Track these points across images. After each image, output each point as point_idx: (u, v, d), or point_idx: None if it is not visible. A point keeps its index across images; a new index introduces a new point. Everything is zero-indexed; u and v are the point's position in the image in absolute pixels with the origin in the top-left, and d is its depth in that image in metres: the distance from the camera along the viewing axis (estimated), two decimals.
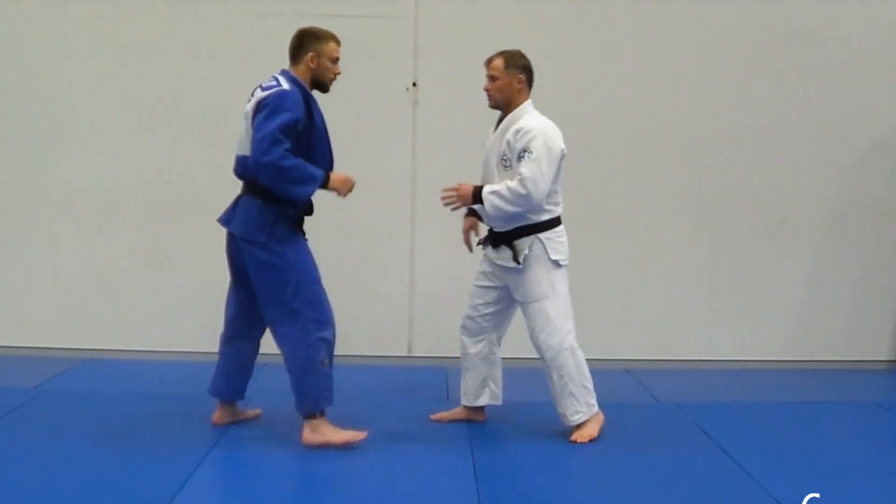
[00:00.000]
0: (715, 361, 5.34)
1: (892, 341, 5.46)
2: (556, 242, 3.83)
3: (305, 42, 3.78)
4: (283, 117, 3.54)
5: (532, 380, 4.92)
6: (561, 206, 3.88)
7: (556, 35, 5.25)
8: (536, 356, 5.25)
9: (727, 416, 4.28)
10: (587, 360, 5.22)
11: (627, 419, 4.23)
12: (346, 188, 3.73)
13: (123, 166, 5.25)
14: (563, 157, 3.79)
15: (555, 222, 3.85)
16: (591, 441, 3.84)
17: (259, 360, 5.15)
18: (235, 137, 5.14)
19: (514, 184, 3.69)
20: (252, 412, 4.07)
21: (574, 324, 3.89)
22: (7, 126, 5.27)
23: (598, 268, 5.34)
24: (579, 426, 3.87)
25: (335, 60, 3.80)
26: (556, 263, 3.81)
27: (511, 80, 3.81)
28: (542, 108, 5.21)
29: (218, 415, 3.98)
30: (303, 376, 3.67)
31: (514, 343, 5.22)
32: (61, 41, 5.21)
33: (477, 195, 3.77)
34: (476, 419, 4.10)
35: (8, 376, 4.79)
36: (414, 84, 5.19)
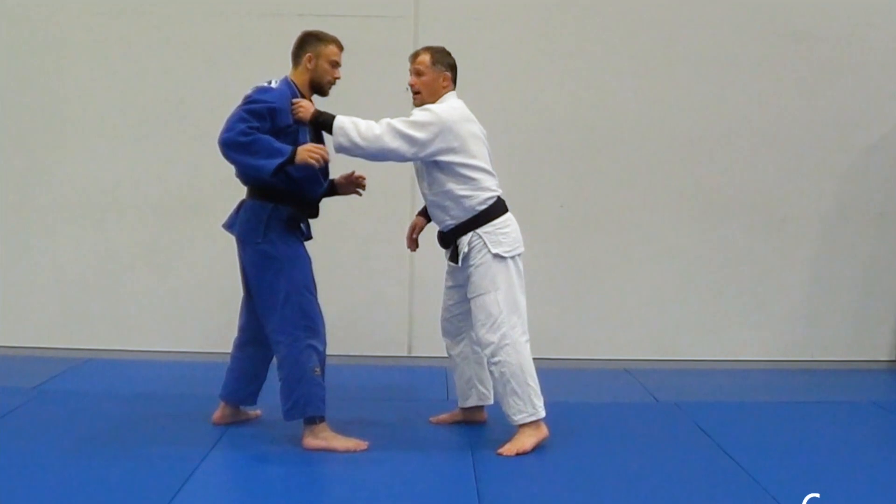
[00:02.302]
0: (715, 361, 5.34)
1: (892, 341, 5.46)
2: (497, 235, 3.70)
3: (305, 43, 3.77)
4: (255, 105, 3.55)
5: None
6: (496, 192, 3.75)
7: (556, 35, 5.26)
8: (536, 356, 5.29)
9: (727, 416, 4.27)
10: (588, 359, 5.30)
11: (627, 419, 4.23)
12: (315, 155, 3.52)
13: (124, 166, 5.26)
14: (479, 136, 3.75)
15: (492, 213, 3.72)
16: (518, 454, 3.63)
17: None
18: None
19: (379, 123, 3.61)
20: (252, 413, 4.07)
21: (521, 319, 3.70)
22: (7, 126, 5.27)
23: (598, 268, 5.35)
24: (518, 436, 3.68)
25: (334, 64, 3.76)
26: (499, 257, 3.67)
27: (437, 76, 3.78)
28: (543, 108, 5.27)
29: (219, 414, 3.98)
30: (294, 384, 3.64)
31: None
32: (61, 41, 5.22)
33: (320, 120, 3.62)
34: (476, 419, 4.08)
35: (8, 376, 4.79)
36: None
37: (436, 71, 3.79)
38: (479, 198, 3.70)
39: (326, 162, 3.59)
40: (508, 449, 3.65)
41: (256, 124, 3.51)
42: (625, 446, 3.84)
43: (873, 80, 5.31)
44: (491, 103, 5.25)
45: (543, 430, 3.73)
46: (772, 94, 5.30)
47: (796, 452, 3.78)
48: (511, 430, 3.78)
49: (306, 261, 3.74)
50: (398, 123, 3.61)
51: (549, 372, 5.10)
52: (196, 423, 3.97)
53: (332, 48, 3.76)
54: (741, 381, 5.05)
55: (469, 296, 3.76)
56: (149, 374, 4.94)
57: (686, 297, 5.38)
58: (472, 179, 3.69)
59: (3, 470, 3.37)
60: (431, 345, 5.26)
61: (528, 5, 5.25)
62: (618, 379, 5.03)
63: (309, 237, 3.82)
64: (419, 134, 3.61)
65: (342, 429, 3.76)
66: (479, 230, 3.69)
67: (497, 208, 3.75)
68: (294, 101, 3.66)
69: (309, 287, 3.71)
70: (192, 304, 5.27)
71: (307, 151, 3.53)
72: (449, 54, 3.85)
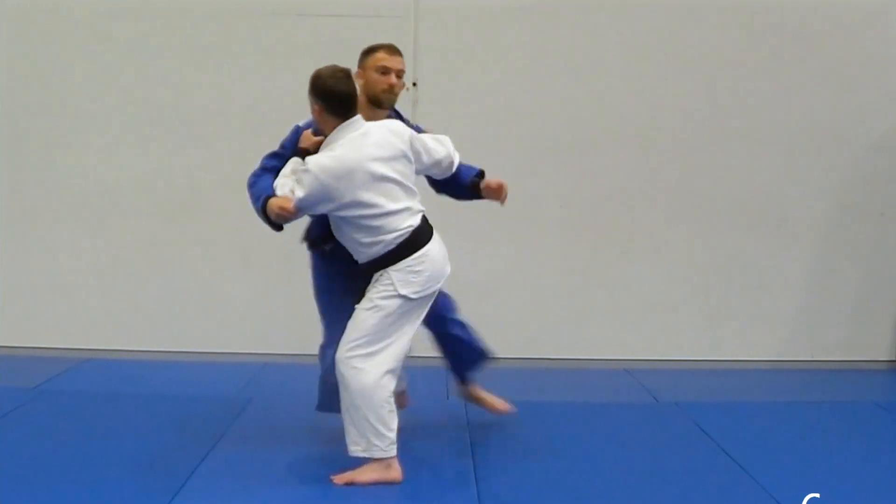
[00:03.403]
0: (715, 361, 5.34)
1: (892, 341, 5.45)
2: (409, 273, 3.33)
3: (358, 63, 3.56)
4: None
5: (531, 380, 4.93)
6: (407, 228, 3.34)
7: (555, 35, 5.25)
8: (536, 356, 5.30)
9: (727, 416, 4.27)
10: (588, 359, 5.30)
11: (627, 419, 4.23)
12: (278, 212, 3.30)
13: (124, 166, 5.25)
14: (376, 176, 3.28)
15: (405, 251, 3.34)
16: (348, 484, 3.32)
17: (259, 359, 5.18)
18: (236, 137, 5.20)
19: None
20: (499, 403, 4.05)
21: (387, 356, 3.32)
22: (7, 126, 5.27)
23: (598, 267, 5.35)
24: (362, 466, 3.36)
25: (383, 70, 3.48)
26: (405, 298, 3.33)
27: (312, 108, 3.34)
28: (543, 108, 5.26)
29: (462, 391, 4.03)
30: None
31: (514, 343, 5.23)
32: (61, 42, 5.21)
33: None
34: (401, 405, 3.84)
35: (8, 376, 4.79)
36: (414, 84, 5.19)
37: (310, 102, 3.34)
38: (387, 240, 3.32)
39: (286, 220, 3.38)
40: (340, 477, 3.36)
41: (274, 163, 3.44)
42: (625, 446, 3.84)
43: (873, 81, 5.31)
44: (491, 103, 5.27)
45: (392, 472, 3.36)
46: (772, 94, 5.29)
47: (796, 452, 3.78)
48: (508, 431, 3.78)
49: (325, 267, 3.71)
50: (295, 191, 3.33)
51: (550, 372, 5.13)
52: (196, 423, 3.97)
53: (378, 55, 3.51)
54: (741, 381, 5.05)
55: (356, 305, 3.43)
56: (149, 374, 4.94)
57: (686, 296, 5.38)
58: (375, 227, 3.31)
59: (3, 470, 3.37)
60: (431, 345, 5.26)
61: (527, 5, 5.24)
62: (618, 379, 5.03)
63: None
64: (300, 203, 3.28)
65: (342, 429, 3.75)
66: (390, 268, 3.34)
67: (410, 244, 3.35)
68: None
69: (323, 288, 3.71)
70: (193, 304, 5.27)
71: (276, 206, 3.30)
72: (320, 78, 3.30)
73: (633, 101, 5.28)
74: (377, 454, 3.33)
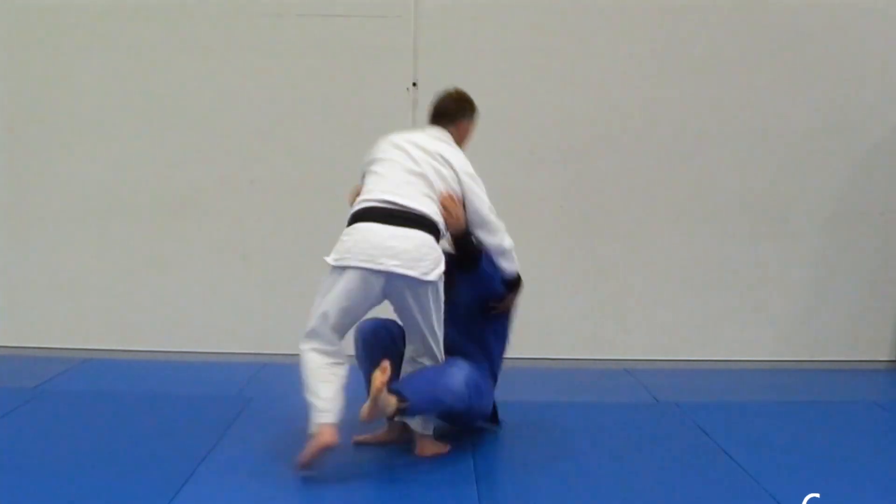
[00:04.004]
0: (715, 361, 5.34)
1: (892, 341, 5.46)
2: (338, 242, 3.39)
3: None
4: None
5: (532, 380, 4.93)
6: (367, 202, 3.43)
7: (555, 34, 5.25)
8: (537, 356, 5.30)
9: (727, 416, 4.27)
10: (588, 359, 5.30)
11: (627, 419, 4.23)
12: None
13: (124, 166, 5.25)
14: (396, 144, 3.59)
15: (354, 219, 3.43)
16: (305, 466, 3.34)
17: (259, 359, 5.19)
18: (236, 137, 5.20)
19: None
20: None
21: (317, 331, 3.40)
22: (8, 126, 5.27)
23: (598, 268, 5.35)
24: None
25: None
26: (329, 266, 3.39)
27: None
28: (542, 108, 5.26)
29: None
30: None
31: (514, 343, 5.23)
32: (62, 42, 5.21)
33: None
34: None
35: (8, 376, 4.79)
36: (414, 84, 5.19)
37: None
38: (357, 202, 3.48)
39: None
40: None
41: None
42: (625, 446, 3.84)
43: (875, 80, 5.31)
44: (491, 103, 5.24)
45: (321, 437, 3.32)
46: (773, 94, 5.29)
47: (796, 452, 3.78)
48: (508, 432, 3.78)
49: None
50: None
51: (550, 372, 5.13)
52: (196, 424, 3.97)
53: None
54: (741, 381, 5.05)
55: None
56: (148, 374, 4.94)
57: (686, 296, 5.38)
58: (366, 181, 3.52)
59: (3, 470, 3.37)
60: None
61: (527, 5, 5.25)
62: (618, 379, 5.02)
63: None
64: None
65: (342, 430, 3.75)
66: None
67: (355, 215, 3.43)
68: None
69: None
70: (192, 304, 5.27)
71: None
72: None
73: (633, 101, 5.28)
74: (312, 428, 3.34)
